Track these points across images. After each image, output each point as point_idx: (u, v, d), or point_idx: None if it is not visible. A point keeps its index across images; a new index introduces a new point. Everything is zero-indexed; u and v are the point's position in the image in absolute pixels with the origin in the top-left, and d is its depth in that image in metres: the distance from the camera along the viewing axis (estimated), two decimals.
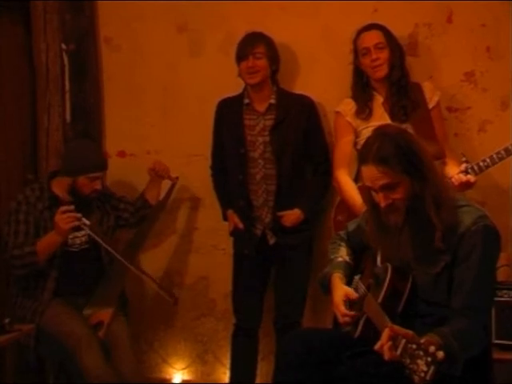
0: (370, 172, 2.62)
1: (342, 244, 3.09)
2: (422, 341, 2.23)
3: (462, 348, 2.41)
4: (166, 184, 4.25)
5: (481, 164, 3.54)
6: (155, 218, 4.21)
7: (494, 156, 3.53)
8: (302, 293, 4.05)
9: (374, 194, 2.68)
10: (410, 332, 2.33)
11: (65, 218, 3.61)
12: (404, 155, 2.59)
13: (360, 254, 3.05)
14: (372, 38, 3.75)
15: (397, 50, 3.77)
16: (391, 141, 2.61)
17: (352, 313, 2.81)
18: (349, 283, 2.95)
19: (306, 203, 3.96)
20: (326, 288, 2.97)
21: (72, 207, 3.66)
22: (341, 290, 2.87)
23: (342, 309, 2.82)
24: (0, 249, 3.81)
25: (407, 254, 2.69)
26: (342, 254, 3.04)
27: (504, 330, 3.50)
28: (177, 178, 4.22)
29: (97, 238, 3.75)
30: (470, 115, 3.98)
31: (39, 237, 3.74)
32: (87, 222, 3.67)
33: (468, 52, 3.98)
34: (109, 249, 3.79)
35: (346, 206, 3.79)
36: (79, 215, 3.64)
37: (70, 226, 3.62)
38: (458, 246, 2.60)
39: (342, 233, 3.15)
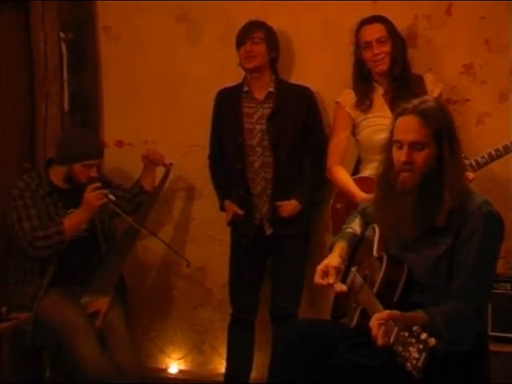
0: (406, 122, 2.68)
1: (358, 216, 3.13)
2: (415, 328, 2.24)
3: (447, 328, 2.43)
4: (160, 170, 4.25)
5: (479, 160, 3.56)
6: (152, 205, 4.21)
7: (493, 153, 3.56)
8: (298, 284, 4.06)
9: (396, 150, 2.69)
10: (395, 312, 2.38)
11: (95, 194, 3.68)
12: (444, 119, 2.67)
13: None
14: (374, 32, 3.73)
15: (399, 43, 3.77)
16: (437, 104, 2.73)
17: (324, 282, 2.86)
18: (354, 251, 3.02)
19: (303, 194, 3.97)
20: None
21: (99, 184, 3.73)
22: (326, 260, 2.93)
23: (317, 277, 2.89)
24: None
25: (405, 229, 2.69)
26: (354, 225, 3.09)
27: (500, 323, 3.53)
28: (171, 164, 4.22)
29: (121, 212, 3.82)
30: (469, 107, 3.99)
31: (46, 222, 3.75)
32: (113, 198, 3.75)
33: (467, 44, 3.97)
34: (131, 221, 3.88)
35: (344, 196, 3.79)
36: (107, 191, 3.73)
37: (101, 202, 3.70)
38: (460, 229, 2.62)
39: (360, 206, 3.20)
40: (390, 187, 2.73)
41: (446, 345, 2.38)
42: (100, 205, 3.71)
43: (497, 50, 3.93)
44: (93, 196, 3.68)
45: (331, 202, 3.92)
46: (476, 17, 3.95)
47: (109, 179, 4.18)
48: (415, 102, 2.71)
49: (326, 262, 2.92)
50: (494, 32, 3.92)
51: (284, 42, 4.10)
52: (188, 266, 4.14)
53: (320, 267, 2.90)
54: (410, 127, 2.65)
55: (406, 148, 2.65)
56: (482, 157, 3.56)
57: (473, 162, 3.55)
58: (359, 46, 3.80)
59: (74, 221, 3.73)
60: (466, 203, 2.65)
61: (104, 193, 3.71)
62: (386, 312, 2.40)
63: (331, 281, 2.84)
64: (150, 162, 4.17)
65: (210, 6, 4.31)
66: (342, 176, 3.81)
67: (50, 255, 3.74)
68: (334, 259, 2.93)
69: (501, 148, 3.54)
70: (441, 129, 2.63)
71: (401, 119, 2.70)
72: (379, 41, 3.72)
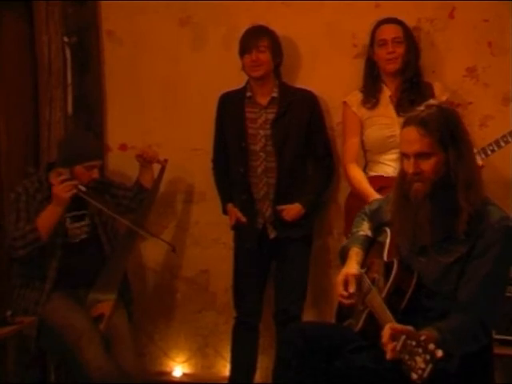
0: (409, 134, 2.67)
1: (366, 219, 3.13)
2: (423, 338, 2.24)
3: (458, 344, 2.42)
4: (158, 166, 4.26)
5: (486, 148, 3.58)
6: (151, 202, 4.21)
7: (500, 140, 3.59)
8: (302, 287, 4.06)
9: (404, 161, 2.70)
10: (410, 328, 2.35)
11: (63, 186, 3.64)
12: (446, 125, 2.65)
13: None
14: (391, 31, 3.79)
15: (413, 48, 3.82)
16: (439, 110, 2.70)
17: (346, 293, 2.84)
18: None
19: (306, 198, 3.97)
20: (344, 261, 3.01)
21: (67, 175, 3.70)
22: (345, 269, 2.92)
23: (339, 289, 2.86)
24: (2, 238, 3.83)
25: (423, 236, 2.69)
26: (364, 228, 3.09)
27: (504, 326, 3.52)
28: (165, 160, 4.22)
29: (94, 201, 3.78)
30: (472, 110, 3.99)
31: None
32: (83, 188, 3.70)
33: (470, 47, 3.98)
34: (106, 210, 3.84)
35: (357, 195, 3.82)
36: (76, 182, 3.68)
37: (70, 193, 3.65)
38: (477, 240, 2.61)
39: (366, 207, 3.19)
40: (405, 196, 2.73)
41: (456, 360, 2.40)
42: (69, 196, 3.65)
43: (500, 52, 3.94)
44: (61, 189, 3.64)
45: (344, 200, 3.98)
46: (479, 20, 3.95)
47: (110, 179, 4.20)
48: (419, 109, 2.71)
49: (344, 270, 2.91)
50: (497, 35, 3.93)
51: (287, 46, 4.10)
52: (173, 250, 4.12)
53: (340, 277, 2.89)
54: (412, 139, 2.65)
55: (412, 159, 2.65)
56: (489, 144, 3.59)
57: (480, 151, 3.57)
58: (373, 44, 3.83)
59: (45, 217, 3.69)
60: (484, 214, 2.63)
61: (73, 184, 3.66)
62: (401, 326, 2.38)
63: (351, 290, 2.84)
64: (145, 160, 4.18)
65: (214, 9, 4.31)
66: (356, 174, 3.85)
67: (28, 255, 3.70)
68: (352, 267, 2.92)
69: (507, 134, 3.57)
70: (443, 135, 2.62)
71: (404, 131, 2.70)
72: (395, 40, 3.77)
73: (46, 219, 3.68)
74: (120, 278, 3.92)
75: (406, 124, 2.70)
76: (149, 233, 4.12)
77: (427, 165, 2.63)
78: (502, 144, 3.58)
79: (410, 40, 3.82)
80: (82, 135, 4.05)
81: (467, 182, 2.62)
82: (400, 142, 2.75)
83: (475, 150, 3.48)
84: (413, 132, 2.65)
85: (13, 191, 3.82)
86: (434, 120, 2.64)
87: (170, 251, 4.19)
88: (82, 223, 3.86)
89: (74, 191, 3.67)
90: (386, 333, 2.38)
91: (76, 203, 3.77)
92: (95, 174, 3.83)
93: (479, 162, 3.50)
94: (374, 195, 3.60)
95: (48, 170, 3.93)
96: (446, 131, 2.63)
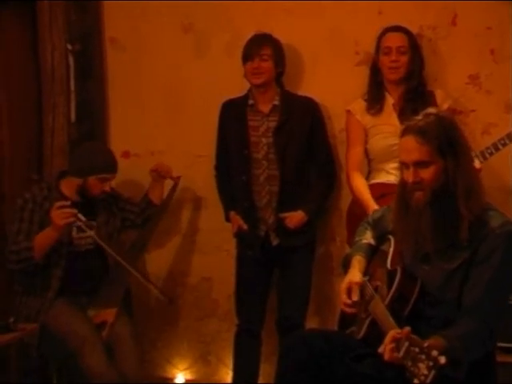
0: (407, 143, 2.67)
1: (369, 228, 3.13)
2: (426, 344, 2.24)
3: (466, 351, 2.42)
4: (168, 184, 4.26)
5: (485, 151, 3.59)
6: (159, 218, 4.22)
7: (497, 143, 3.59)
8: (304, 294, 4.05)
9: (404, 170, 2.71)
10: (414, 337, 2.34)
11: (60, 213, 3.60)
12: (444, 133, 2.64)
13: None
14: (396, 40, 3.79)
15: (417, 58, 3.82)
16: (437, 119, 2.69)
17: (350, 301, 2.83)
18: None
19: (309, 205, 3.96)
20: (347, 269, 3.01)
21: (68, 203, 3.66)
22: (348, 277, 2.92)
23: (343, 297, 2.86)
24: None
25: (425, 244, 2.69)
26: (367, 237, 3.09)
27: (507, 333, 3.51)
28: (179, 177, 4.23)
29: (92, 234, 3.75)
30: (474, 118, 3.99)
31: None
32: (83, 218, 3.65)
33: (472, 55, 3.98)
34: (103, 245, 3.79)
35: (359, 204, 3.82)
36: (75, 211, 3.63)
37: (65, 221, 3.61)
38: (479, 246, 2.61)
39: (369, 217, 3.19)
40: (406, 205, 2.73)
41: (464, 368, 2.39)
42: (65, 224, 3.61)
43: (502, 60, 3.93)
44: (57, 215, 3.59)
45: (346, 207, 3.97)
46: (481, 27, 3.95)
47: (119, 193, 4.18)
48: (417, 118, 2.71)
49: (347, 278, 2.91)
50: (500, 42, 3.93)
51: (289, 52, 4.10)
52: (170, 303, 4.13)
53: (343, 286, 2.89)
54: (410, 148, 2.65)
55: (411, 168, 2.65)
56: (487, 148, 3.60)
57: (478, 154, 3.58)
58: (379, 51, 3.83)
59: (42, 238, 3.68)
60: (486, 219, 2.64)
61: (71, 212, 3.61)
62: (406, 332, 2.36)
63: (355, 298, 2.84)
64: (159, 175, 4.17)
65: (217, 17, 4.32)
66: (358, 183, 3.83)
67: (22, 270, 3.73)
68: (355, 275, 2.92)
69: (505, 137, 3.58)
70: (442, 143, 2.62)
71: (402, 140, 2.71)
72: (399, 49, 3.77)
73: (42, 241, 3.68)
74: (123, 292, 3.93)
75: (404, 133, 2.71)
76: (146, 279, 4.09)
77: (427, 173, 2.64)
78: (500, 147, 3.59)
79: (415, 49, 3.81)
80: (100, 147, 4.05)
81: (467, 190, 2.63)
82: (399, 151, 2.75)
83: (473, 154, 3.50)
84: (411, 141, 2.65)
85: (20, 197, 3.81)
86: (432, 128, 2.64)
87: (176, 257, 4.19)
88: (88, 234, 3.85)
89: (71, 220, 3.62)
90: (389, 335, 2.38)
91: (84, 213, 3.76)
92: (107, 187, 3.84)
93: (477, 165, 3.51)
94: (374, 207, 3.58)
95: (59, 177, 3.92)
96: (445, 139, 2.63)
